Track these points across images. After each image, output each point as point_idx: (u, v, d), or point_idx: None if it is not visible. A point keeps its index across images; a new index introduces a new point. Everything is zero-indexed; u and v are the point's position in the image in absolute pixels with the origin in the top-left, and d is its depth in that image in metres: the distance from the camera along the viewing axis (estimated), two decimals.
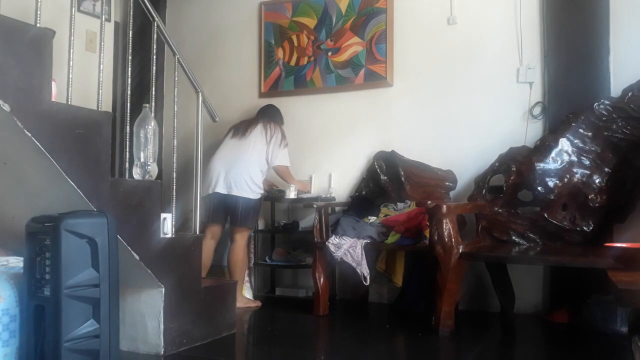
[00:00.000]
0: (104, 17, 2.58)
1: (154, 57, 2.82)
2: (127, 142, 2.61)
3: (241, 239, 3.78)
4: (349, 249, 3.40)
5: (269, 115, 4.01)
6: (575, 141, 3.29)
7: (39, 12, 2.10)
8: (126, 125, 2.63)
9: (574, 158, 3.29)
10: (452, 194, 3.75)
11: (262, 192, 3.85)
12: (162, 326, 2.59)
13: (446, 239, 2.92)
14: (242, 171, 3.70)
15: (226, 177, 3.69)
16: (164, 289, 2.59)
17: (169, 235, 2.69)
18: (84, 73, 2.76)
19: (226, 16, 4.67)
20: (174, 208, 2.80)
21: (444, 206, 2.95)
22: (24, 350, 2.05)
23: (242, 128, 3.88)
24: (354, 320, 3.58)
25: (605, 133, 3.24)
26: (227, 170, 3.70)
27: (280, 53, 4.43)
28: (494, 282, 3.38)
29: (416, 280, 3.63)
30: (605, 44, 3.42)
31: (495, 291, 3.40)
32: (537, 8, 3.68)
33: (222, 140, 3.90)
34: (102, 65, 2.43)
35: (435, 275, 2.97)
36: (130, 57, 2.71)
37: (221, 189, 3.69)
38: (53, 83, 2.14)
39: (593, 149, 3.27)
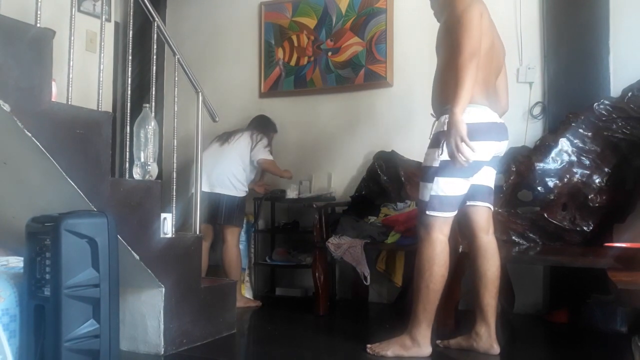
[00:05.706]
0: (104, 17, 2.58)
1: (154, 57, 2.82)
2: (127, 142, 2.61)
3: (232, 239, 3.77)
4: (349, 248, 3.40)
5: (255, 125, 4.02)
6: (575, 141, 3.29)
7: (39, 12, 2.10)
8: (126, 125, 2.63)
9: (573, 158, 3.29)
10: None
11: (247, 190, 3.86)
12: (162, 326, 2.59)
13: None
14: (225, 169, 3.73)
15: (209, 177, 3.69)
16: (164, 289, 2.59)
17: (169, 235, 2.69)
18: (84, 73, 2.77)
19: (226, 16, 4.67)
20: (174, 208, 2.80)
21: None
22: (24, 350, 2.04)
23: (225, 135, 3.91)
24: (354, 320, 3.58)
25: (605, 133, 3.24)
26: (210, 171, 3.69)
27: (280, 53, 4.43)
28: None
29: None
30: (605, 44, 3.42)
31: None
32: (537, 8, 3.68)
33: (206, 148, 3.82)
34: (102, 65, 2.43)
35: None
36: (130, 57, 2.70)
37: (204, 187, 3.66)
38: (53, 83, 2.14)
39: (593, 149, 3.27)
